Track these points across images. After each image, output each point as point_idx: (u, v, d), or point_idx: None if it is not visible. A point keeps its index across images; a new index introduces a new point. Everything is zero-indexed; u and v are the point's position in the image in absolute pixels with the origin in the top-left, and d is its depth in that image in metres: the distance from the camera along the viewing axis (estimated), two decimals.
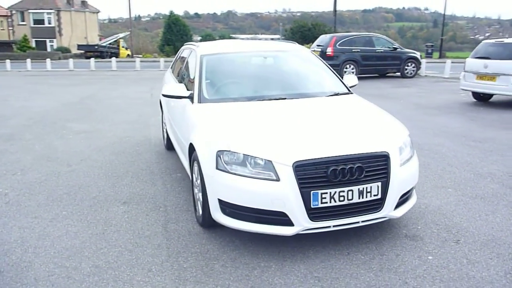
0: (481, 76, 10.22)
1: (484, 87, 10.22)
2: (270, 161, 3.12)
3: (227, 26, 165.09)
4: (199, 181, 3.65)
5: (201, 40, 47.62)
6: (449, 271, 3.04)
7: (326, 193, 3.10)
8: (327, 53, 16.45)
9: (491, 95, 10.83)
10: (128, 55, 43.86)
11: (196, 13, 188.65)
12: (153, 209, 4.20)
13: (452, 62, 18.81)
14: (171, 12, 47.93)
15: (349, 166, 3.13)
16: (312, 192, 3.08)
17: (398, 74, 17.47)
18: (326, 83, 4.66)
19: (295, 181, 3.06)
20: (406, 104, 10.75)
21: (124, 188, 4.80)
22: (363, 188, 3.19)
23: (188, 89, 4.36)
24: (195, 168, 3.79)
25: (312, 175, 3.10)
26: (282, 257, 3.24)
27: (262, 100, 4.12)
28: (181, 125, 4.55)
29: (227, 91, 4.34)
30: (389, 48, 17.24)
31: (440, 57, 32.24)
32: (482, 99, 11.03)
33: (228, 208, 3.27)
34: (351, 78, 4.87)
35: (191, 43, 5.69)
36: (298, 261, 3.19)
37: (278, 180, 3.07)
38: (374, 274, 3.01)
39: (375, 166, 3.24)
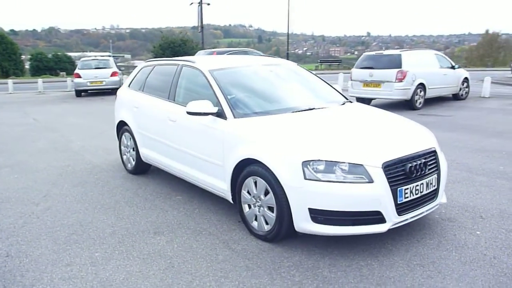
0: (367, 83, 11.81)
1: (371, 93, 11.82)
2: (362, 165, 3.32)
3: (50, 43, 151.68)
4: (267, 196, 3.61)
5: (31, 59, 42.86)
6: (499, 238, 3.67)
7: (407, 188, 3.44)
8: None
9: (371, 99, 12.52)
10: None
11: (12, 30, 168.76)
12: (196, 234, 3.95)
13: None
14: None
15: (419, 162, 3.53)
16: (398, 189, 3.38)
17: None
18: (329, 93, 5.00)
19: (386, 180, 3.32)
20: None
21: (135, 218, 4.35)
22: (428, 181, 3.62)
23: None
24: (251, 185, 3.74)
25: (396, 173, 3.40)
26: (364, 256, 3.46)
27: (298, 111, 4.24)
28: (201, 145, 4.34)
29: (257, 105, 4.33)
30: None
31: None
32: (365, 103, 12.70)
33: (321, 215, 3.34)
34: None
35: (174, 59, 5.42)
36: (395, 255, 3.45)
37: (371, 181, 3.29)
38: (448, 251, 3.45)
39: (431, 161, 3.71)
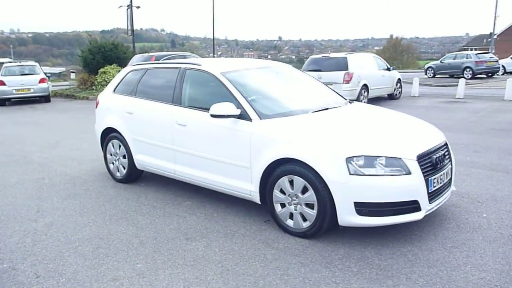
0: None
1: None
2: (400, 158, 3.56)
3: None
4: (306, 193, 3.71)
5: None
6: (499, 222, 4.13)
7: (435, 178, 3.76)
8: None
9: None
10: None
11: None
12: (230, 237, 3.93)
13: None
14: None
15: (441, 154, 3.87)
16: (429, 179, 3.68)
17: None
18: (330, 92, 5.21)
19: (420, 171, 3.59)
20: None
21: (156, 227, 4.20)
22: (447, 170, 3.98)
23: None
24: (286, 184, 3.83)
25: (426, 165, 3.69)
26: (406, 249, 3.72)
27: (317, 111, 4.39)
28: (221, 148, 4.31)
29: (276, 106, 4.40)
30: None
31: None
32: None
33: (365, 208, 3.52)
34: None
35: (171, 62, 5.30)
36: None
37: (409, 173, 3.54)
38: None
39: (447, 152, 4.07)
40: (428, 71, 26.95)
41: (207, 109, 4.48)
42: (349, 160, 3.52)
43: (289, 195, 3.87)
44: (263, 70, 5.12)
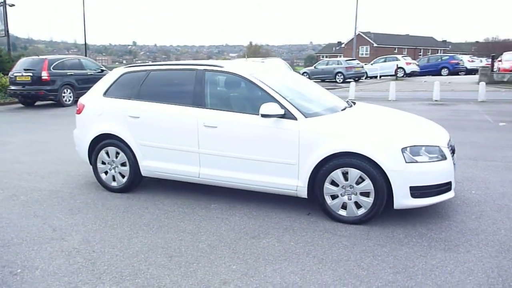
0: None
1: None
2: (438, 146, 4.17)
3: None
4: (362, 183, 4.09)
5: None
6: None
7: (455, 164, 4.48)
8: (43, 77, 14.88)
9: None
10: None
11: None
12: (292, 232, 4.08)
13: None
14: None
15: (453, 143, 4.62)
16: (454, 163, 4.38)
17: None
18: (328, 92, 5.65)
19: (450, 157, 4.26)
20: None
21: (207, 231, 4.13)
22: (455, 156, 4.74)
23: None
24: (339, 176, 4.16)
25: (449, 151, 4.38)
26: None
27: (344, 109, 4.78)
28: (264, 147, 4.42)
29: (311, 105, 4.66)
30: (97, 70, 17.19)
31: None
32: None
33: (418, 191, 4.04)
34: None
35: (181, 64, 5.15)
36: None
37: (445, 158, 4.18)
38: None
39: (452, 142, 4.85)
40: (303, 76, 29.32)
41: (240, 111, 4.60)
42: (403, 150, 4.00)
43: (343, 186, 4.19)
44: (278, 71, 5.34)
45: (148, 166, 5.04)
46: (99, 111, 5.30)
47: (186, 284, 3.18)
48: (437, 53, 63.21)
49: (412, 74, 29.76)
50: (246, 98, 4.74)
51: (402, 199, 4.04)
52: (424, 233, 3.98)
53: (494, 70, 22.69)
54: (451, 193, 4.26)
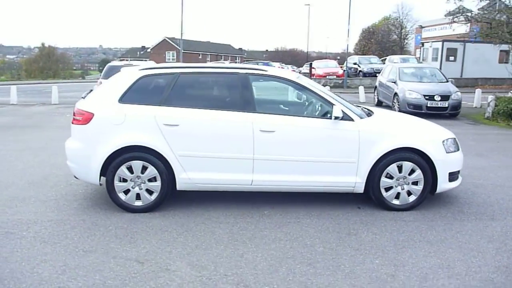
0: None
1: None
2: (455, 138, 5.12)
3: None
4: (413, 174, 4.72)
5: None
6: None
7: None
8: None
9: None
10: None
11: None
12: (368, 227, 4.43)
13: None
14: None
15: None
16: None
17: None
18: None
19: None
20: None
21: (293, 237, 4.12)
22: None
23: None
24: (395, 169, 4.71)
25: None
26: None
27: (371, 114, 5.24)
28: (323, 148, 4.62)
29: (352, 108, 4.99)
30: None
31: None
32: None
33: (452, 176, 4.90)
34: None
35: (216, 67, 4.81)
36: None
37: (459, 149, 5.14)
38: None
39: None
40: None
41: (295, 114, 4.72)
42: (444, 142, 4.80)
43: (397, 178, 4.73)
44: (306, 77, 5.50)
45: (188, 178, 4.58)
46: (118, 120, 4.51)
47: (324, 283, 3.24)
48: (236, 59, 69.07)
49: None
50: (299, 101, 4.81)
51: (443, 184, 4.83)
52: (457, 211, 4.86)
53: (313, 76, 26.42)
54: (460, 179, 5.22)
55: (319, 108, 4.78)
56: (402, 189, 4.78)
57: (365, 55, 42.56)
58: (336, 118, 4.55)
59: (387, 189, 4.77)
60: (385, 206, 4.80)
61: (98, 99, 4.70)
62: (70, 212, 4.67)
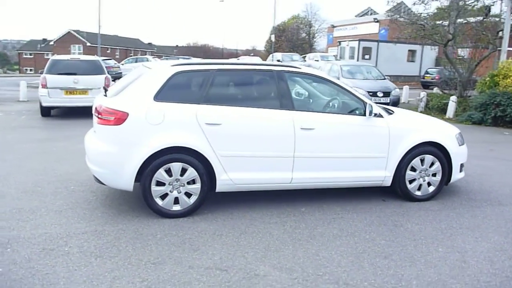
0: (71, 91, 10.82)
1: (76, 101, 10.90)
2: (460, 133, 5.56)
3: None
4: (433, 166, 5.05)
5: None
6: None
7: None
8: None
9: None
10: None
11: None
12: (393, 222, 4.66)
13: None
14: None
15: None
16: None
17: None
18: None
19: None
20: None
21: (342, 235, 4.22)
22: None
23: None
24: (418, 163, 5.00)
25: None
26: None
27: (391, 111, 5.47)
28: (357, 144, 4.76)
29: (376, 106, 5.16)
30: None
31: None
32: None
33: (462, 167, 5.34)
34: None
35: (249, 65, 4.65)
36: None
37: (464, 143, 5.58)
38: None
39: None
40: None
41: (331, 111, 4.80)
42: (457, 136, 5.21)
43: (420, 171, 5.03)
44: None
45: (230, 179, 4.41)
46: (157, 120, 4.18)
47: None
48: (146, 54, 66.51)
49: None
50: (332, 99, 4.84)
51: (456, 174, 5.24)
52: (469, 198, 5.32)
53: None
54: (463, 172, 5.67)
55: (352, 105, 4.88)
56: (423, 181, 5.09)
57: (277, 52, 43.68)
58: (374, 115, 4.70)
59: (411, 181, 5.05)
60: (409, 197, 5.08)
61: (131, 96, 4.30)
62: (99, 221, 4.24)
